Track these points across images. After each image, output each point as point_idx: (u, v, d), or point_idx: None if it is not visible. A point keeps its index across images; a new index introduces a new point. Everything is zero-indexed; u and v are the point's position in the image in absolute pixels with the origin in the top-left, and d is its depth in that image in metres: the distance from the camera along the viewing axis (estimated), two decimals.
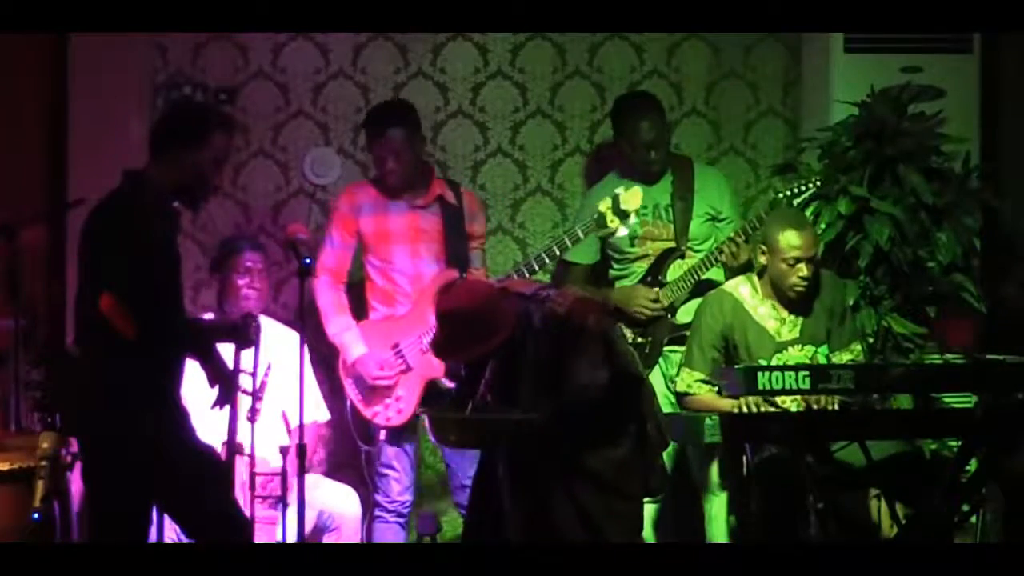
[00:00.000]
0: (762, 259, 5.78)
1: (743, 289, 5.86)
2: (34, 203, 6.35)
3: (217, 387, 4.83)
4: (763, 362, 5.77)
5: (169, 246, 4.76)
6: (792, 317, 5.81)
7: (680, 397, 5.87)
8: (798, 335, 5.80)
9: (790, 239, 5.69)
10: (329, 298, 6.03)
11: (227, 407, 4.91)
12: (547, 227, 6.79)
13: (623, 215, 5.93)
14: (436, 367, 5.85)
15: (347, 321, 6.02)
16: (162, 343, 4.70)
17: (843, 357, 5.79)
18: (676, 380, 5.91)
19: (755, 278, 5.84)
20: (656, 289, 6.13)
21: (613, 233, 6.00)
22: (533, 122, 6.80)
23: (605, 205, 5.94)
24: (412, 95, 6.60)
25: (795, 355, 5.78)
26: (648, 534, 6.14)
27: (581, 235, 6.02)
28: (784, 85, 6.91)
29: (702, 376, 5.81)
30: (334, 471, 6.35)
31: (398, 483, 6.03)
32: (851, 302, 6.09)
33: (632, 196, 5.92)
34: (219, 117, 4.92)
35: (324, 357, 6.42)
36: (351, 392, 6.02)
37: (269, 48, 6.64)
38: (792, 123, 6.89)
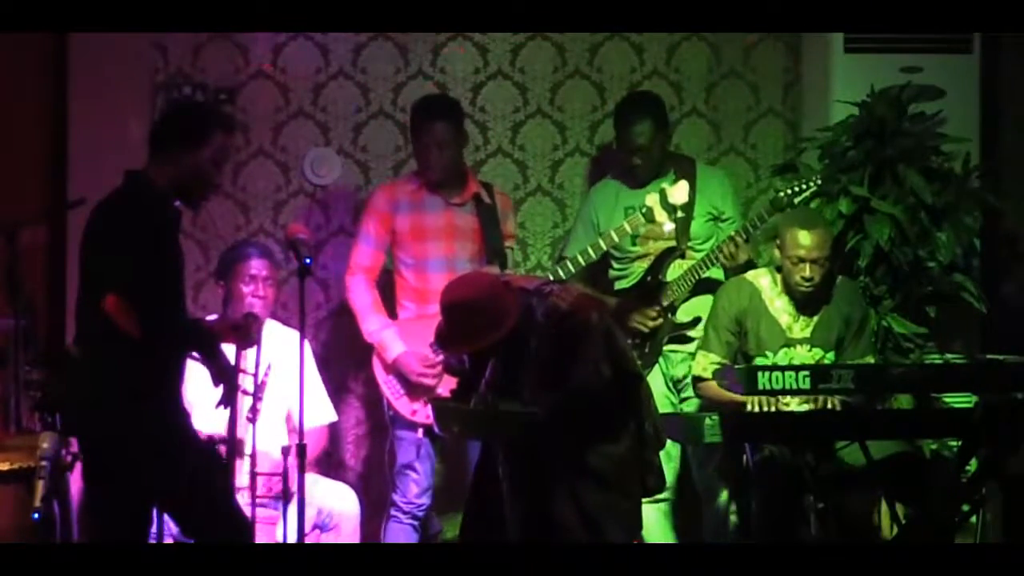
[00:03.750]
0: (777, 253, 5.84)
1: (763, 280, 5.92)
2: (34, 203, 6.35)
3: (221, 387, 4.83)
4: (770, 354, 5.82)
5: (171, 245, 4.76)
6: (806, 316, 5.84)
7: (696, 382, 5.90)
8: (809, 335, 5.84)
9: (796, 237, 5.75)
10: (365, 297, 6.04)
11: (229, 407, 4.91)
12: (547, 227, 6.79)
13: (672, 209, 5.95)
14: None
15: (384, 320, 6.03)
16: (165, 342, 4.70)
17: None
18: (693, 364, 5.96)
19: (776, 272, 5.89)
20: (656, 308, 6.11)
21: (660, 228, 6.02)
22: (533, 122, 6.80)
23: (653, 199, 5.98)
24: (412, 95, 6.60)
25: (802, 354, 5.81)
26: (667, 534, 6.13)
27: (628, 229, 6.05)
28: (784, 85, 6.91)
29: (718, 358, 5.84)
30: (332, 470, 6.36)
31: (417, 485, 6.02)
32: None
33: (679, 189, 5.97)
34: (219, 117, 4.93)
35: (327, 358, 6.43)
36: (389, 390, 6.01)
37: (269, 48, 6.64)
38: (792, 123, 6.89)
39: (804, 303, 5.84)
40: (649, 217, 6.01)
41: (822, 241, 5.77)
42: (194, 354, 4.80)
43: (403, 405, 5.99)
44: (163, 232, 4.73)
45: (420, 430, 5.98)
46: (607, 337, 5.06)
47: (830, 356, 5.84)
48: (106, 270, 4.64)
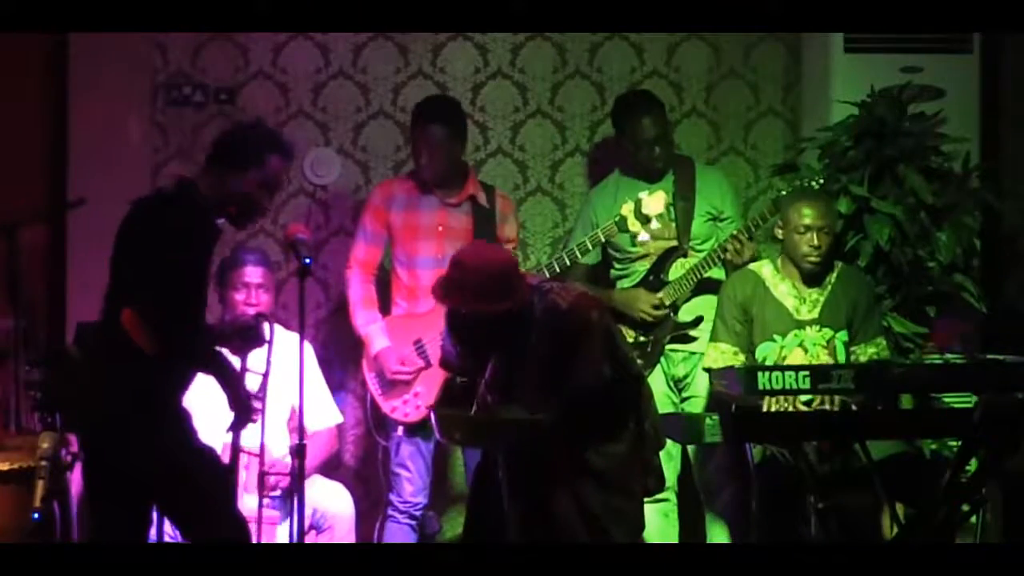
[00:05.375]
0: (779, 233, 5.91)
1: (765, 269, 5.98)
2: (34, 203, 6.35)
3: (234, 410, 4.84)
4: (779, 337, 5.86)
5: (203, 261, 4.75)
6: (812, 296, 5.89)
7: (711, 376, 5.91)
8: (817, 315, 5.88)
9: (800, 209, 5.83)
10: (359, 291, 6.07)
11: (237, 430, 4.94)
12: (547, 227, 6.79)
13: (644, 219, 5.95)
14: None
15: (373, 315, 6.05)
16: (180, 357, 4.69)
17: (868, 350, 5.86)
18: (704, 356, 5.98)
19: (777, 259, 5.94)
20: (659, 295, 6.12)
21: (635, 236, 6.02)
22: (533, 122, 6.81)
23: (627, 209, 5.97)
24: (412, 95, 6.61)
25: (812, 335, 5.85)
26: (667, 534, 6.13)
27: (603, 237, 6.05)
28: (784, 85, 6.91)
29: (728, 347, 5.88)
30: (331, 470, 6.36)
31: (411, 484, 6.03)
32: None
33: (654, 200, 5.95)
34: (278, 143, 4.90)
35: (327, 358, 6.43)
36: (372, 386, 6.03)
37: (269, 48, 6.65)
38: (792, 123, 6.89)
39: (808, 279, 5.88)
40: (622, 226, 6.00)
41: (827, 211, 5.84)
42: (210, 372, 4.80)
43: (383, 402, 6.01)
44: (200, 248, 4.71)
45: (400, 428, 5.98)
46: (607, 336, 5.05)
47: (841, 335, 5.86)
48: (134, 277, 4.64)
